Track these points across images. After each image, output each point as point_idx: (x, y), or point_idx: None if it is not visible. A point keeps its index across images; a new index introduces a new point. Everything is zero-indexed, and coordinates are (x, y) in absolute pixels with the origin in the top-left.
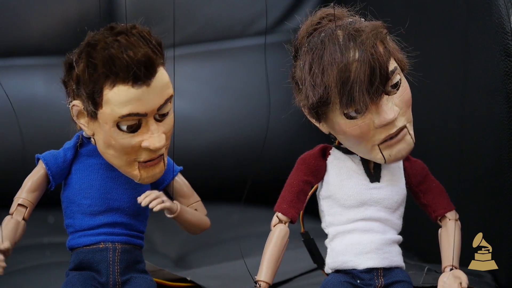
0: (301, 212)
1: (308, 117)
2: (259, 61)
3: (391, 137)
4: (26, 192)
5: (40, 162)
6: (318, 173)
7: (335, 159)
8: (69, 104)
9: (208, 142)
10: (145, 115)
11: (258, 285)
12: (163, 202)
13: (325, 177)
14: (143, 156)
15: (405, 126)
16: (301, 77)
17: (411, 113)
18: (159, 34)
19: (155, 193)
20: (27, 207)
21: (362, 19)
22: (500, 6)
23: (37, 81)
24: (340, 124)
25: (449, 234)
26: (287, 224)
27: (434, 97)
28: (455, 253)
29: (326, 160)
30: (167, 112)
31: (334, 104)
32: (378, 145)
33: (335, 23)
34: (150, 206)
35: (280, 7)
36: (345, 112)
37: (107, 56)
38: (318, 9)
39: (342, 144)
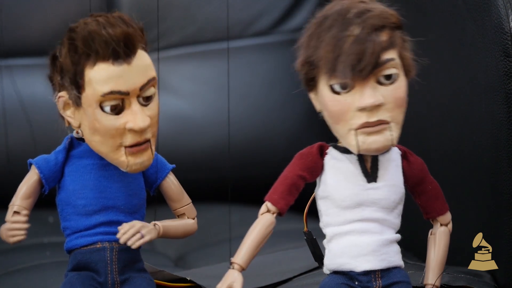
0: (305, 210)
1: (302, 85)
2: (259, 61)
3: (369, 125)
4: (21, 198)
5: (33, 167)
6: (314, 170)
7: (332, 158)
8: (56, 98)
9: (208, 142)
10: (127, 93)
11: (232, 267)
12: (142, 237)
13: (322, 177)
14: (129, 140)
15: (388, 122)
16: (301, 42)
17: (400, 115)
18: (162, 34)
19: (135, 227)
20: None
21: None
22: (499, 6)
23: (37, 81)
24: (325, 97)
25: (436, 245)
26: (274, 215)
27: (433, 97)
28: (437, 270)
29: (323, 159)
30: (151, 97)
31: (322, 72)
32: (355, 130)
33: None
34: (129, 244)
35: (280, 7)
36: (330, 83)
37: (86, 33)
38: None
39: (340, 143)
